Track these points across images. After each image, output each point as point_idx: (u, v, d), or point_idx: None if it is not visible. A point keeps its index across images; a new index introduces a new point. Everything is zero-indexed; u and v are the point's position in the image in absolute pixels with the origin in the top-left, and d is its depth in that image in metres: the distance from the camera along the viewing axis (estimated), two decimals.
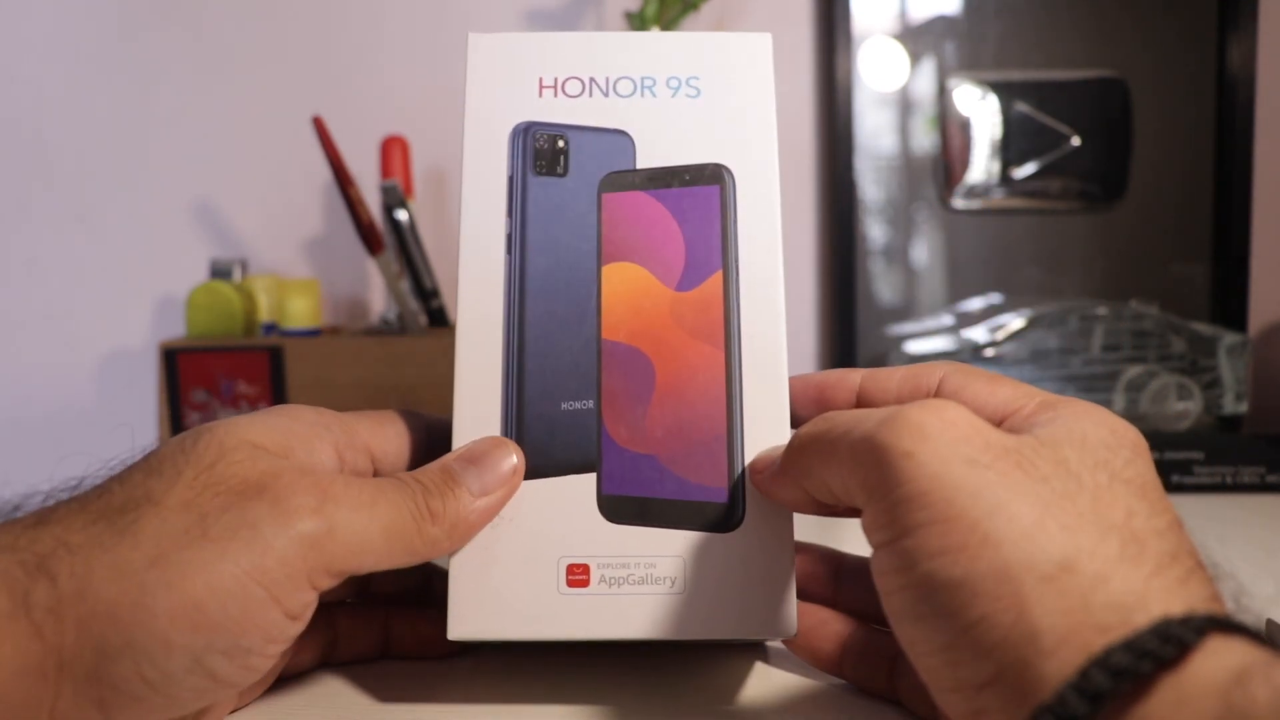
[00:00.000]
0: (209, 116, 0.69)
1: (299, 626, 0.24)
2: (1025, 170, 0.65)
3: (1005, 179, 0.66)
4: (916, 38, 0.67)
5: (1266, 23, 0.64)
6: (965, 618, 0.19)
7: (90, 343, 0.70)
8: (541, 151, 0.29)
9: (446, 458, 0.28)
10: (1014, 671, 0.18)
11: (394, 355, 0.54)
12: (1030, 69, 0.66)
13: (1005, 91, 0.65)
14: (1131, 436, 0.23)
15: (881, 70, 0.67)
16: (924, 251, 0.68)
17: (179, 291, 0.68)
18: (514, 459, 0.28)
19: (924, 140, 0.67)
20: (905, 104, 0.67)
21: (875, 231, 0.68)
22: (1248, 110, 0.64)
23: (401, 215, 0.58)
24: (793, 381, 0.29)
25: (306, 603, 0.24)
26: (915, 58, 0.67)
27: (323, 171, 0.67)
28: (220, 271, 0.61)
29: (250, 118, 0.69)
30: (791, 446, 0.25)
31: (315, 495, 0.24)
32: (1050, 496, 0.20)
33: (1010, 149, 0.65)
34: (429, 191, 0.69)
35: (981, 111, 0.65)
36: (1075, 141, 0.65)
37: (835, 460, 0.23)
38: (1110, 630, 0.18)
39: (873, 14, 0.66)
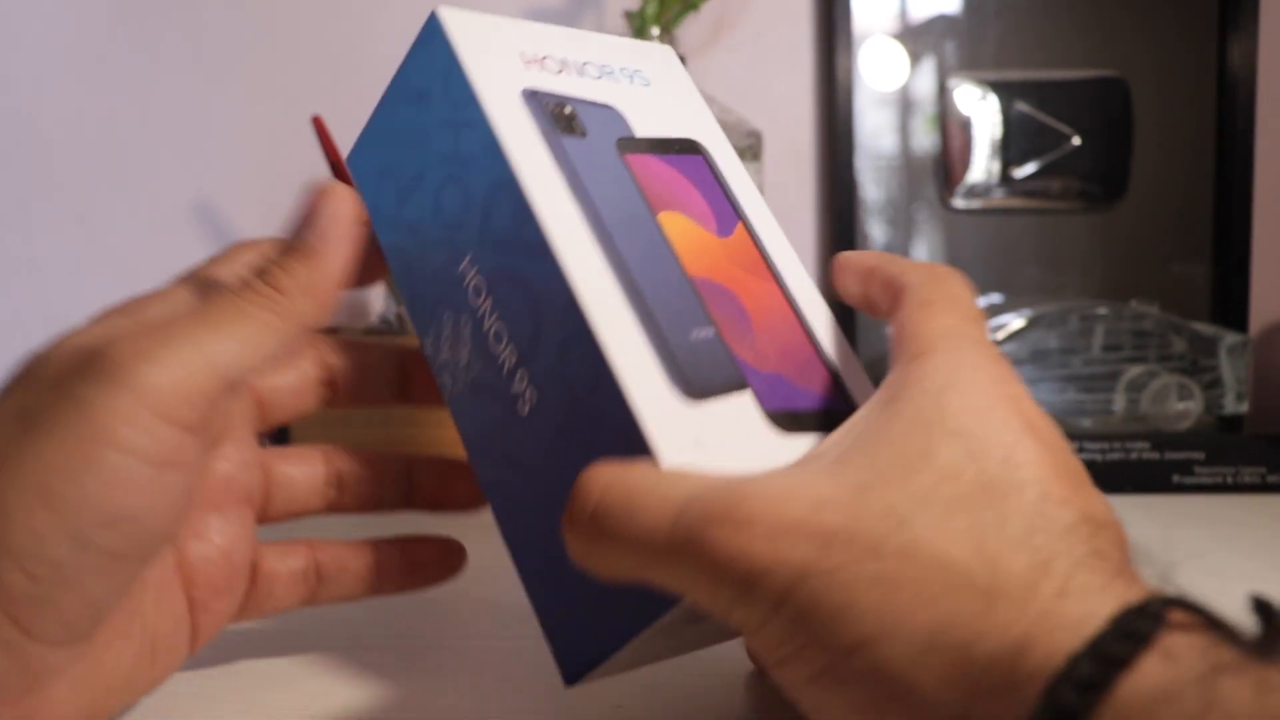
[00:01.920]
0: (209, 116, 0.69)
1: (183, 474, 0.23)
2: (1025, 170, 0.65)
3: (1005, 179, 0.66)
4: (916, 37, 0.67)
5: (1267, 22, 0.64)
6: None
7: None
8: (557, 115, 0.29)
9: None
10: None
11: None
12: (1030, 69, 0.66)
13: (1005, 91, 0.65)
14: (953, 424, 0.20)
15: (882, 70, 0.67)
16: (924, 251, 0.68)
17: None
18: (346, 200, 0.27)
19: (924, 140, 0.67)
20: (905, 104, 0.67)
21: (875, 231, 0.68)
22: (1248, 110, 0.64)
23: None
24: None
25: (174, 444, 0.22)
26: (915, 57, 0.67)
27: (323, 171, 0.67)
28: None
29: (250, 118, 0.69)
30: (596, 516, 0.21)
31: (136, 340, 0.23)
32: (889, 568, 0.18)
33: (1010, 149, 0.65)
34: None
35: (981, 111, 0.65)
36: (1075, 141, 0.65)
37: (651, 560, 0.20)
38: (1000, 700, 0.16)
39: (873, 14, 0.66)
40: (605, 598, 0.23)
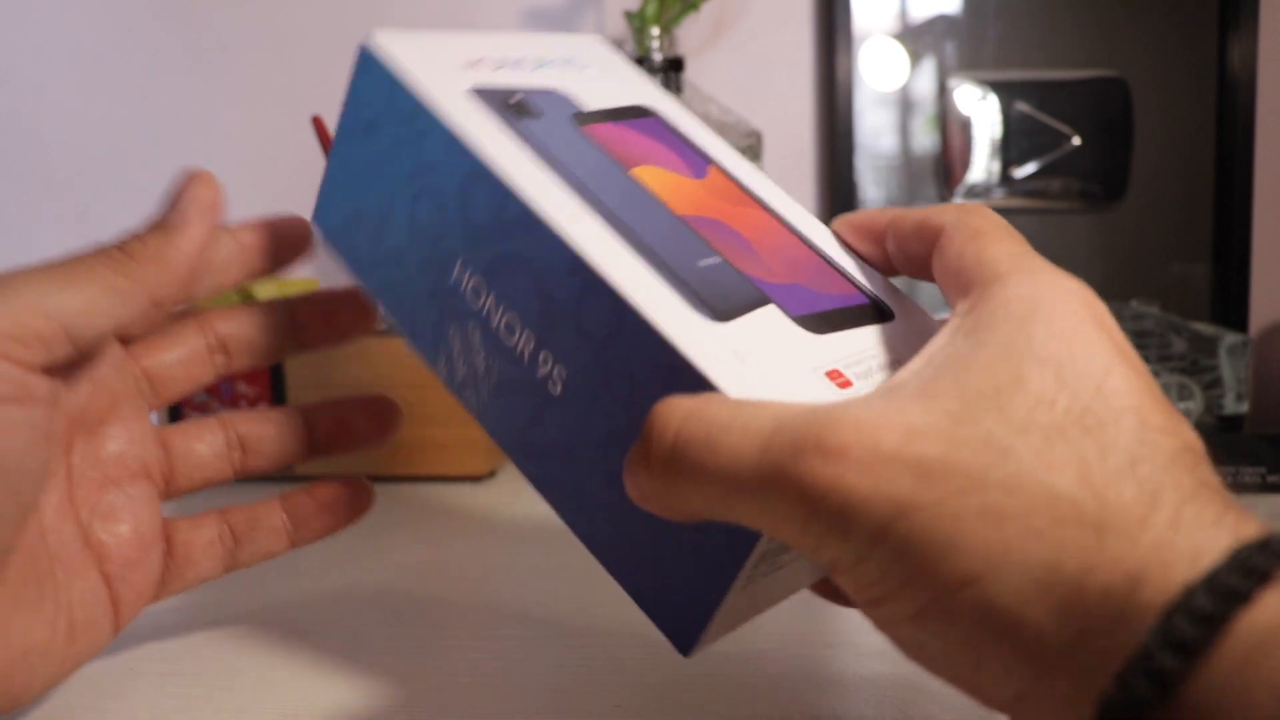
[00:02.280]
0: (209, 116, 0.69)
1: (29, 409, 0.24)
2: (1025, 170, 0.65)
3: (1005, 179, 0.65)
4: (916, 38, 0.67)
5: (1267, 22, 0.64)
6: (965, 661, 0.18)
7: None
8: (508, 104, 0.29)
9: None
10: (1038, 686, 0.17)
11: (394, 355, 0.54)
12: (1030, 69, 0.66)
13: (1005, 91, 0.65)
14: (1041, 350, 0.19)
15: (881, 70, 0.67)
16: None
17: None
18: (206, 184, 0.28)
19: (924, 140, 0.67)
20: (905, 104, 0.67)
21: None
22: (1248, 110, 0.64)
23: None
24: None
25: (13, 380, 0.24)
26: (915, 57, 0.67)
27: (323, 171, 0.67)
28: None
29: (250, 117, 0.69)
30: (673, 455, 0.20)
31: None
32: (995, 501, 0.17)
33: (1010, 149, 0.65)
34: None
35: (981, 111, 0.65)
36: (1075, 141, 0.65)
37: (736, 494, 0.19)
38: (1113, 633, 0.16)
39: (873, 14, 0.66)
40: (691, 554, 0.23)
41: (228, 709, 0.28)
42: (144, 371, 0.30)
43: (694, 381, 0.22)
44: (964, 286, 0.22)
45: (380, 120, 0.29)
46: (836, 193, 0.67)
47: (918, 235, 0.25)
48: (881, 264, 0.27)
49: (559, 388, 0.25)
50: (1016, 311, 0.20)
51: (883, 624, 0.19)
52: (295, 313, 0.33)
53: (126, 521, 0.28)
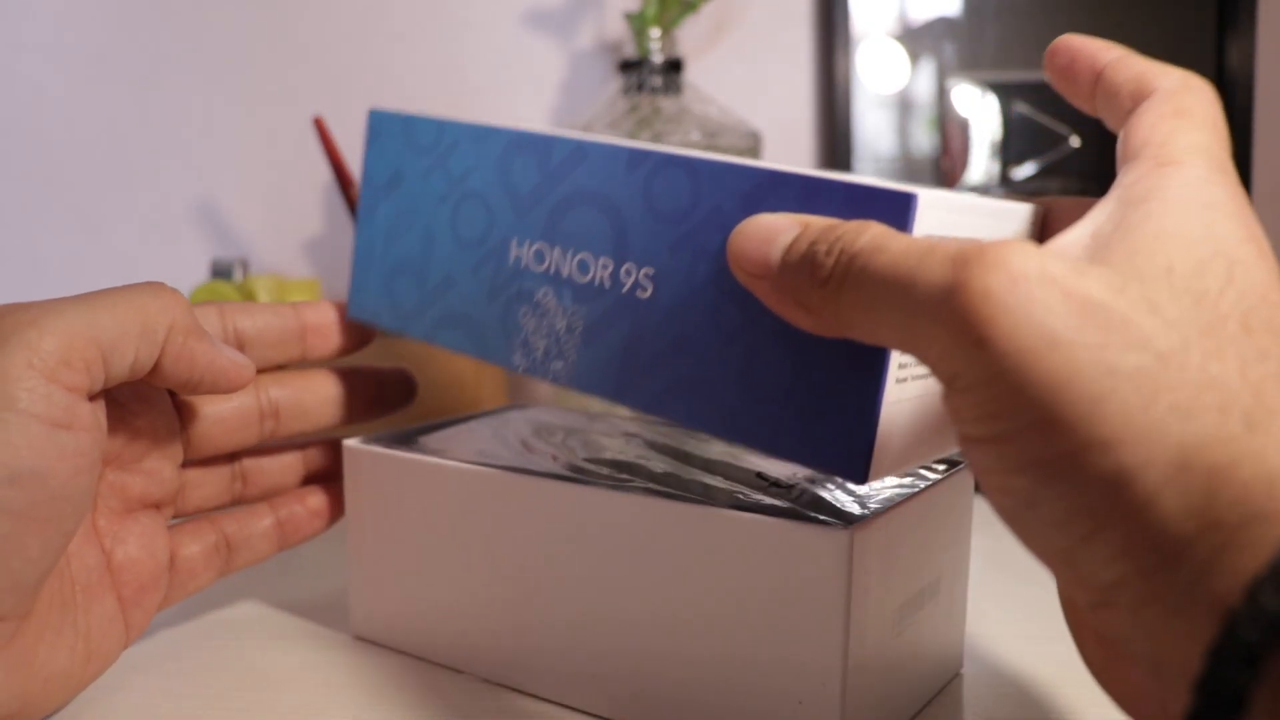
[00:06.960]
0: (209, 116, 0.69)
1: (77, 435, 0.24)
2: (1025, 170, 0.65)
3: (1005, 179, 0.66)
4: (916, 38, 0.67)
5: (1265, 23, 0.64)
6: (1077, 531, 0.17)
7: None
8: None
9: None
10: (1142, 578, 0.16)
11: (394, 355, 0.54)
12: (1030, 69, 0.66)
13: (1005, 91, 0.65)
14: (1217, 243, 0.18)
15: (881, 71, 0.67)
16: None
17: (180, 291, 0.68)
18: (246, 362, 0.29)
19: (924, 141, 0.67)
20: (905, 105, 0.67)
21: None
22: (1246, 111, 0.64)
23: None
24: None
25: (64, 405, 0.24)
26: (915, 58, 0.67)
27: (323, 171, 0.67)
28: (221, 271, 0.61)
29: (251, 117, 0.69)
30: (814, 269, 0.20)
31: (24, 311, 0.24)
32: (1153, 367, 0.16)
33: (1010, 149, 0.65)
34: None
35: (981, 112, 0.65)
36: (1075, 142, 0.65)
37: (892, 316, 0.19)
38: (1241, 531, 0.15)
39: (872, 14, 0.67)
40: (827, 383, 0.23)
41: (227, 708, 0.28)
42: (185, 425, 0.31)
43: (798, 190, 0.23)
44: (1141, 157, 0.21)
45: (403, 165, 0.31)
46: None
47: (1131, 87, 0.23)
48: (1082, 97, 0.25)
49: (649, 289, 0.25)
50: (1192, 197, 0.19)
51: (989, 468, 0.18)
52: (347, 384, 0.34)
53: (144, 548, 0.29)
